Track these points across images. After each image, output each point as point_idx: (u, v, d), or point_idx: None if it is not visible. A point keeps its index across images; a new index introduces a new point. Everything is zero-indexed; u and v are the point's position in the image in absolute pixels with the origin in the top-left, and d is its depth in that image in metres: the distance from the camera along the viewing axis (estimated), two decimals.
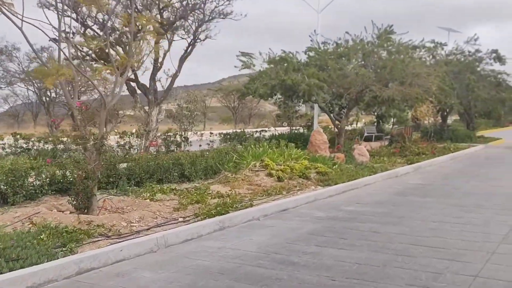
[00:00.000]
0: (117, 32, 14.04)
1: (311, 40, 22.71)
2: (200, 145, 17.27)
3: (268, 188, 10.88)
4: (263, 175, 12.06)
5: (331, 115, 23.09)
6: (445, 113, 29.98)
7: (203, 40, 13.79)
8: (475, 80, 26.70)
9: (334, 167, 13.69)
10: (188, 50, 13.75)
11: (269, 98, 24.53)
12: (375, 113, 34.16)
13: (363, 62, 21.05)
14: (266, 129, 28.48)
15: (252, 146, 14.06)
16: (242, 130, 22.88)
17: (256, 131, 23.47)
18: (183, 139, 17.95)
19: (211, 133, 19.19)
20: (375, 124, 36.03)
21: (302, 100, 22.20)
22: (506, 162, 18.88)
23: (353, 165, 14.94)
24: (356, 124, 37.85)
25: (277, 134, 23.47)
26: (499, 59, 28.05)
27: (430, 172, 15.57)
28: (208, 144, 17.93)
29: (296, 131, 27.00)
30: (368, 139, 31.14)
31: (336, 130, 22.81)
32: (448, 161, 19.06)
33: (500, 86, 29.05)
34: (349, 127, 38.24)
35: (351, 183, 11.99)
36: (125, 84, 14.04)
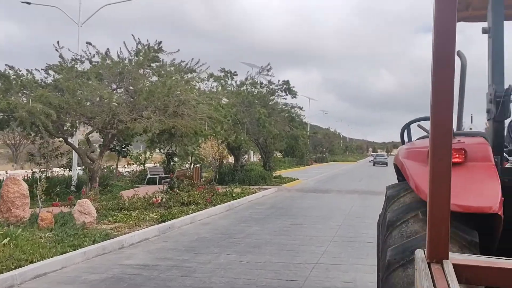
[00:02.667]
0: None
1: (59, 56, 17.17)
2: None
3: None
4: None
5: (82, 153, 17.70)
6: (237, 151, 26.50)
7: None
8: (266, 114, 23.65)
9: (5, 241, 8.23)
10: None
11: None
12: (162, 150, 29.58)
13: (115, 85, 16.18)
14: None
15: None
16: None
17: None
18: None
19: None
20: (165, 163, 31.36)
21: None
22: (290, 213, 15.28)
23: (58, 232, 9.63)
24: (143, 164, 32.78)
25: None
26: (290, 91, 25.54)
27: (181, 236, 10.97)
28: None
29: (49, 175, 20.88)
30: (151, 181, 26.28)
31: (89, 173, 17.46)
32: (220, 214, 14.82)
33: (294, 122, 26.59)
34: (139, 167, 33.21)
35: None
36: None
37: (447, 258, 1.55)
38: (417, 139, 3.88)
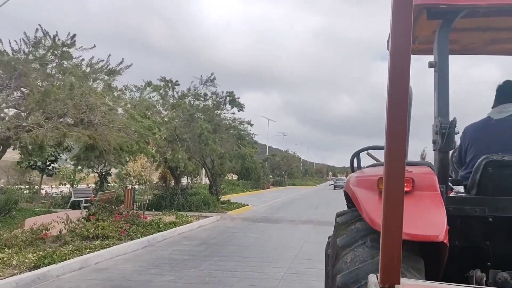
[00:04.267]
0: None
1: None
2: None
3: None
4: None
5: None
6: (178, 172, 23.07)
7: None
8: (210, 130, 20.40)
9: None
10: None
11: None
12: (95, 169, 25.90)
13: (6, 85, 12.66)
14: None
15: None
16: None
17: None
18: None
19: None
20: (99, 183, 27.54)
21: None
22: (223, 252, 11.95)
23: None
24: (75, 184, 28.82)
25: None
26: (235, 103, 22.32)
27: None
28: None
29: None
30: (77, 205, 22.48)
31: None
32: (131, 253, 11.40)
33: (242, 140, 23.40)
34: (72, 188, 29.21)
35: None
36: None
37: (399, 283, 1.61)
38: (366, 167, 3.81)
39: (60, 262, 9.13)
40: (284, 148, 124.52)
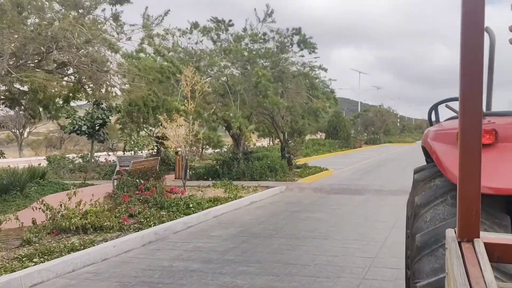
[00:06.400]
0: None
1: None
2: None
3: None
4: None
5: None
6: (238, 133, 18.98)
7: None
8: (269, 78, 15.90)
9: None
10: None
11: None
12: (150, 132, 22.63)
13: None
14: None
15: None
16: None
17: None
18: None
19: None
20: (156, 149, 24.23)
21: None
22: (259, 254, 7.65)
23: None
24: (136, 151, 25.76)
25: None
26: (305, 43, 17.52)
27: None
28: None
29: None
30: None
31: None
32: (109, 261, 7.47)
33: (315, 90, 18.68)
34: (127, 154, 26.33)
35: None
36: None
37: (478, 237, 1.52)
38: (445, 120, 3.76)
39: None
40: (379, 104, 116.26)
